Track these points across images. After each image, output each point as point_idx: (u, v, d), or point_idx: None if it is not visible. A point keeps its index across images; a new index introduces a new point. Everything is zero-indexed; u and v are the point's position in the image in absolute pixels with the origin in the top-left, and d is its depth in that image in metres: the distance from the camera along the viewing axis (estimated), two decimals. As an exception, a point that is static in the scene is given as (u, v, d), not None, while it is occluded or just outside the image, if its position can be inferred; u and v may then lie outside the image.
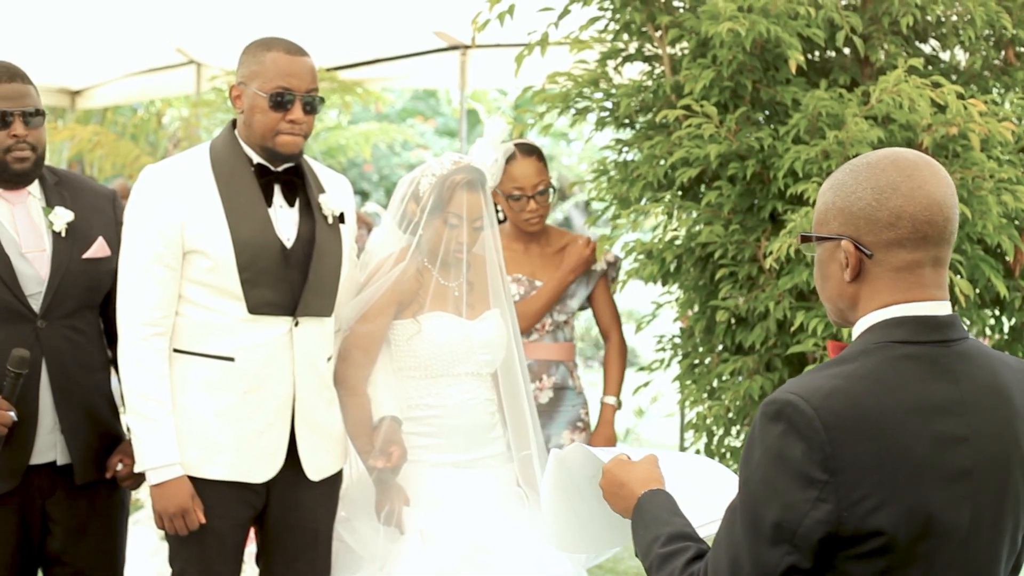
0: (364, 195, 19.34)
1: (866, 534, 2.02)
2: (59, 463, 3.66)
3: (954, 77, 4.47)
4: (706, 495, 2.49)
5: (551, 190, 4.65)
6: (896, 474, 2.03)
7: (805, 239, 2.27)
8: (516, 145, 4.54)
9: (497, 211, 4.60)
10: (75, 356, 3.68)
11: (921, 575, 2.06)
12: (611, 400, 4.72)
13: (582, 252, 4.67)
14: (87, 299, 3.73)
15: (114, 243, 3.75)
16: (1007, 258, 4.17)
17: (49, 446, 3.65)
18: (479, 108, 16.87)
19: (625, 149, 4.65)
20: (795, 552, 2.03)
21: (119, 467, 3.73)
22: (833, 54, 4.47)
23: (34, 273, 3.62)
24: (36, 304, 3.60)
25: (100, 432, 3.75)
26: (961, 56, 4.55)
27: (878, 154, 2.20)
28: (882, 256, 2.15)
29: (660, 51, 4.49)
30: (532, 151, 4.62)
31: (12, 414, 3.51)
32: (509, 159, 4.48)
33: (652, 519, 2.31)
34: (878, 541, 2.02)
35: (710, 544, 2.22)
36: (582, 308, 4.83)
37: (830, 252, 2.21)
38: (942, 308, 2.17)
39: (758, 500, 2.06)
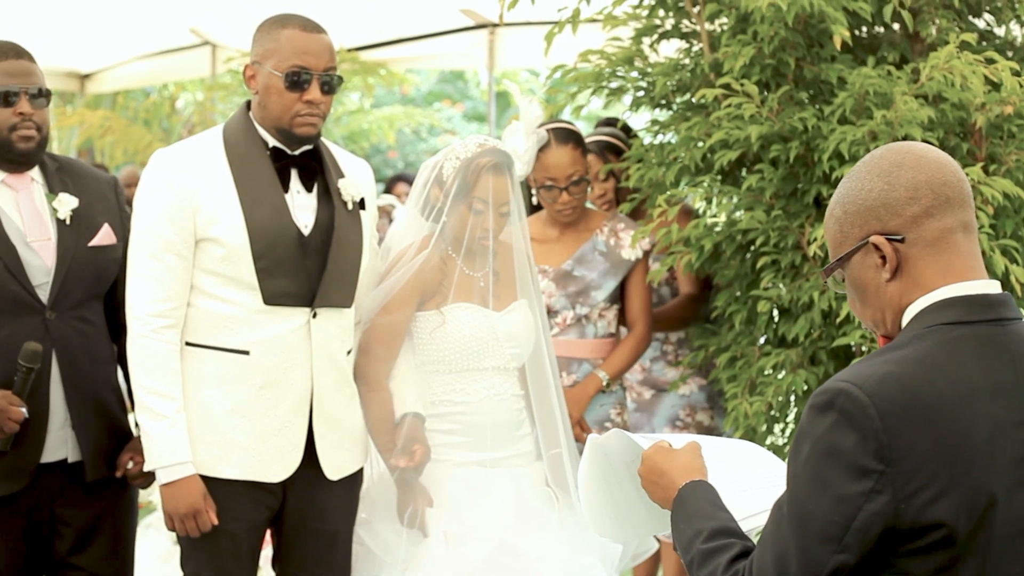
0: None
1: (924, 526, 2.03)
2: (70, 460, 3.69)
3: (1009, 53, 4.44)
4: (750, 485, 2.49)
5: (588, 180, 4.58)
6: (955, 462, 2.03)
7: (830, 271, 2.28)
8: (551, 130, 4.44)
9: (532, 194, 4.58)
10: (85, 349, 3.71)
11: (981, 567, 2.06)
12: (601, 374, 4.53)
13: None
14: (94, 289, 3.75)
15: (119, 230, 3.78)
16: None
17: (60, 443, 3.67)
18: (513, 89, 16.83)
19: (661, 131, 4.63)
20: (844, 551, 2.04)
21: (129, 465, 3.75)
22: (881, 29, 4.45)
23: (40, 263, 3.64)
24: (44, 295, 3.63)
25: (110, 428, 3.78)
26: (1017, 31, 4.53)
27: (865, 156, 2.26)
28: (914, 235, 2.16)
29: (698, 27, 4.47)
30: (568, 138, 4.51)
31: (24, 410, 3.54)
32: (542, 147, 4.39)
33: (694, 512, 2.31)
34: (938, 534, 2.03)
35: (754, 539, 2.22)
36: (615, 302, 4.64)
37: (860, 263, 2.23)
38: (992, 287, 2.18)
39: (807, 496, 2.07)
